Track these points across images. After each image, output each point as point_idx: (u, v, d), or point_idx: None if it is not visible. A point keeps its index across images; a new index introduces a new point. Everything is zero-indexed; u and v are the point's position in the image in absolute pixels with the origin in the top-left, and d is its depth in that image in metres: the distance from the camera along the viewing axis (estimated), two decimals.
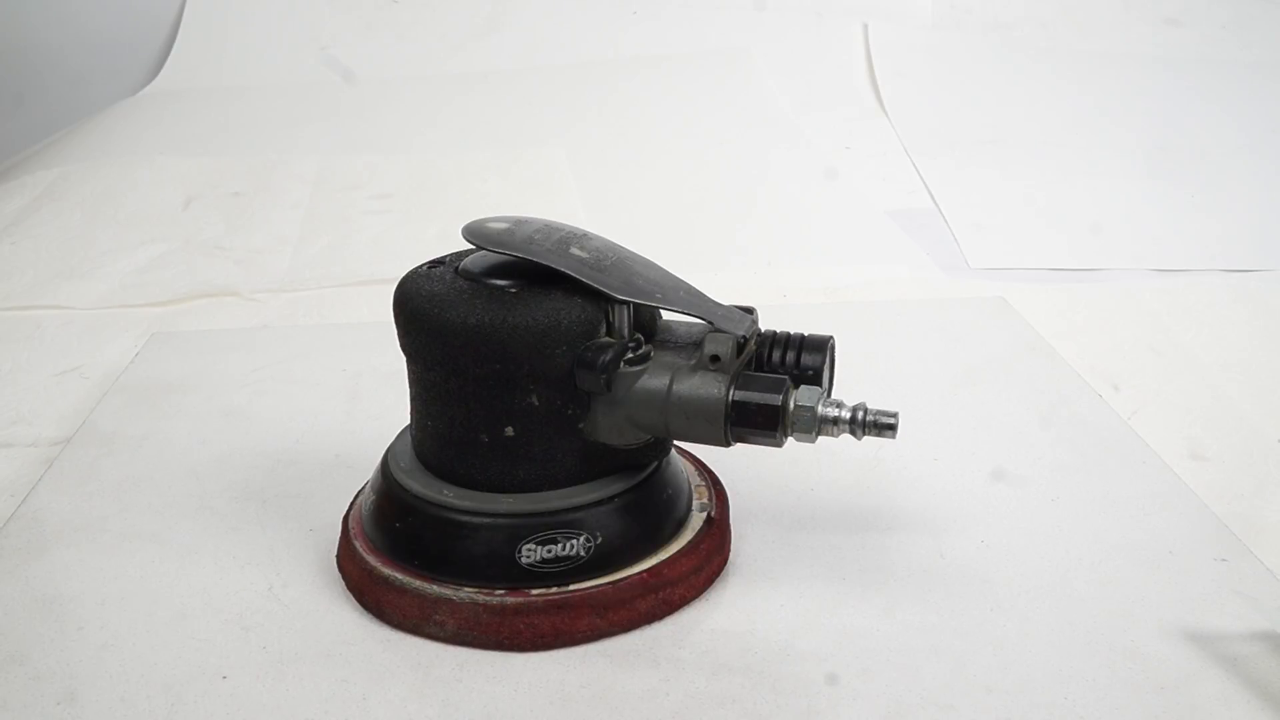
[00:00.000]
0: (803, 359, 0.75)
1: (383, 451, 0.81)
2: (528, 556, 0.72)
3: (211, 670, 0.71)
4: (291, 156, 1.80)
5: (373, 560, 0.76)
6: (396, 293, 0.75)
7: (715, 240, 1.52)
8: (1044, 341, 1.17)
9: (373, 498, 0.79)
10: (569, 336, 0.70)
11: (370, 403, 1.06)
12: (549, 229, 0.75)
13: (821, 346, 0.75)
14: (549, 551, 0.72)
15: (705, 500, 0.83)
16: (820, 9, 2.39)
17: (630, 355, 0.71)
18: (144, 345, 1.21)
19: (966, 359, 1.14)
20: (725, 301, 0.78)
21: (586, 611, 0.72)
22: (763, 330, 0.77)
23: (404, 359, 0.76)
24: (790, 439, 0.73)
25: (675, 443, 0.80)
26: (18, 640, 0.74)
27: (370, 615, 0.75)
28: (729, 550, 0.81)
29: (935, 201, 1.66)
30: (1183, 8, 2.46)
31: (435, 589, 0.72)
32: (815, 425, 0.71)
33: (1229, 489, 0.93)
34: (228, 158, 1.80)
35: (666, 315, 0.78)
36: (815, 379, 0.74)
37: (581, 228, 0.78)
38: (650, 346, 0.74)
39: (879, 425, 0.71)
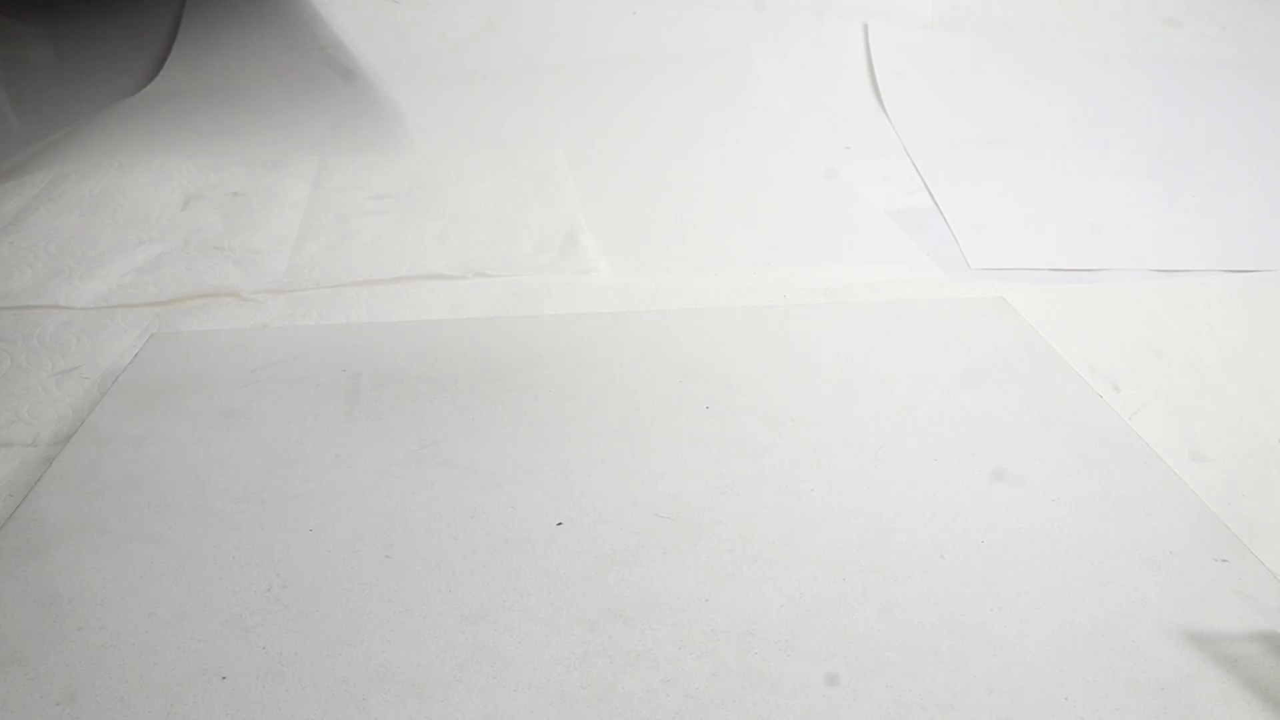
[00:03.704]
0: None
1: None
2: None
3: (211, 670, 0.71)
4: (291, 156, 1.80)
5: None
6: None
7: (715, 240, 1.52)
8: (1044, 341, 1.17)
9: None
10: None
11: (370, 403, 1.06)
12: None
13: None
14: None
15: None
16: (820, 9, 2.39)
17: None
18: (144, 345, 1.21)
19: (966, 359, 1.14)
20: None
21: None
22: None
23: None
24: None
25: None
26: (18, 640, 0.74)
27: (368, 615, 0.75)
28: None
29: (935, 201, 1.66)
30: (1183, 8, 2.46)
31: None
32: None
33: (1229, 489, 0.93)
34: (227, 158, 1.80)
35: None
36: None
37: None
38: None
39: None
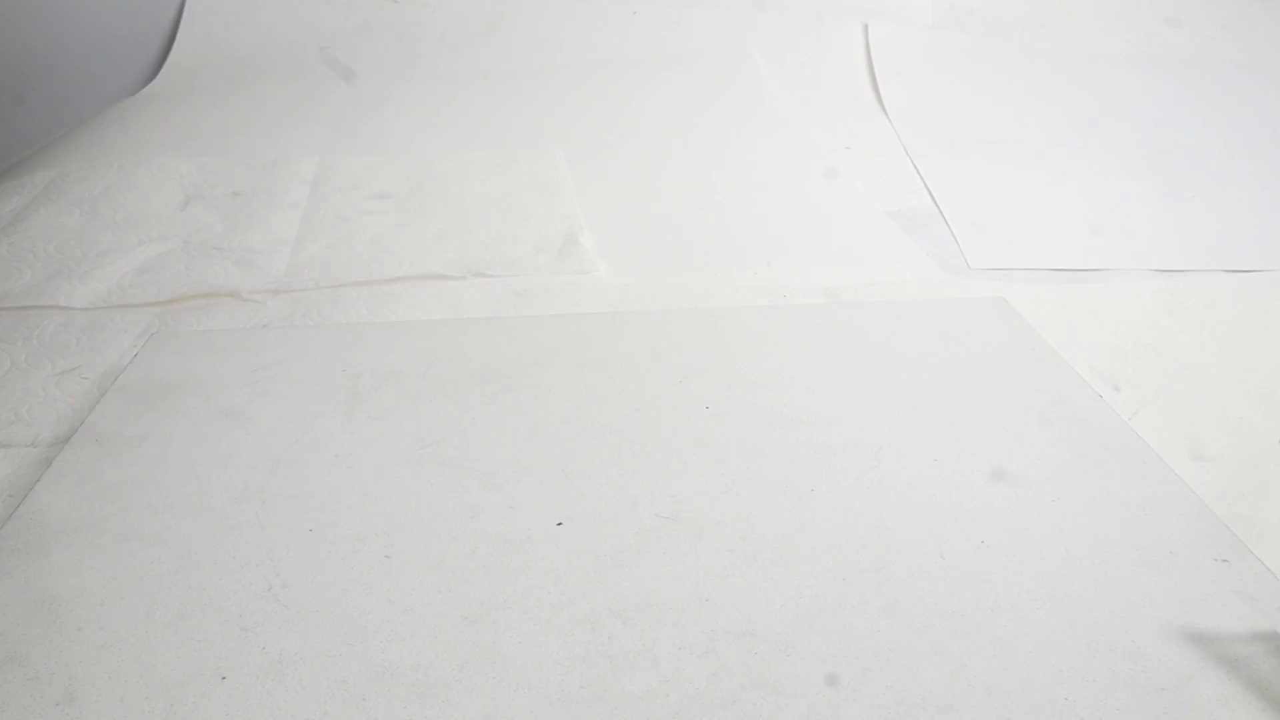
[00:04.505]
0: None
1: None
2: None
3: (211, 670, 0.71)
4: (291, 156, 1.80)
5: None
6: None
7: (715, 240, 1.52)
8: (1044, 341, 1.17)
9: None
10: None
11: (370, 403, 1.06)
12: None
13: None
14: None
15: None
16: (820, 9, 2.39)
17: None
18: (144, 345, 1.21)
19: (966, 359, 1.14)
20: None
21: None
22: None
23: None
24: None
25: None
26: (17, 641, 0.74)
27: (368, 615, 0.75)
28: None
29: (935, 201, 1.66)
30: (1183, 8, 2.46)
31: None
32: None
33: (1229, 489, 0.93)
34: (227, 158, 1.80)
35: None
36: None
37: None
38: None
39: None
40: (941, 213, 1.62)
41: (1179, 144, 1.91)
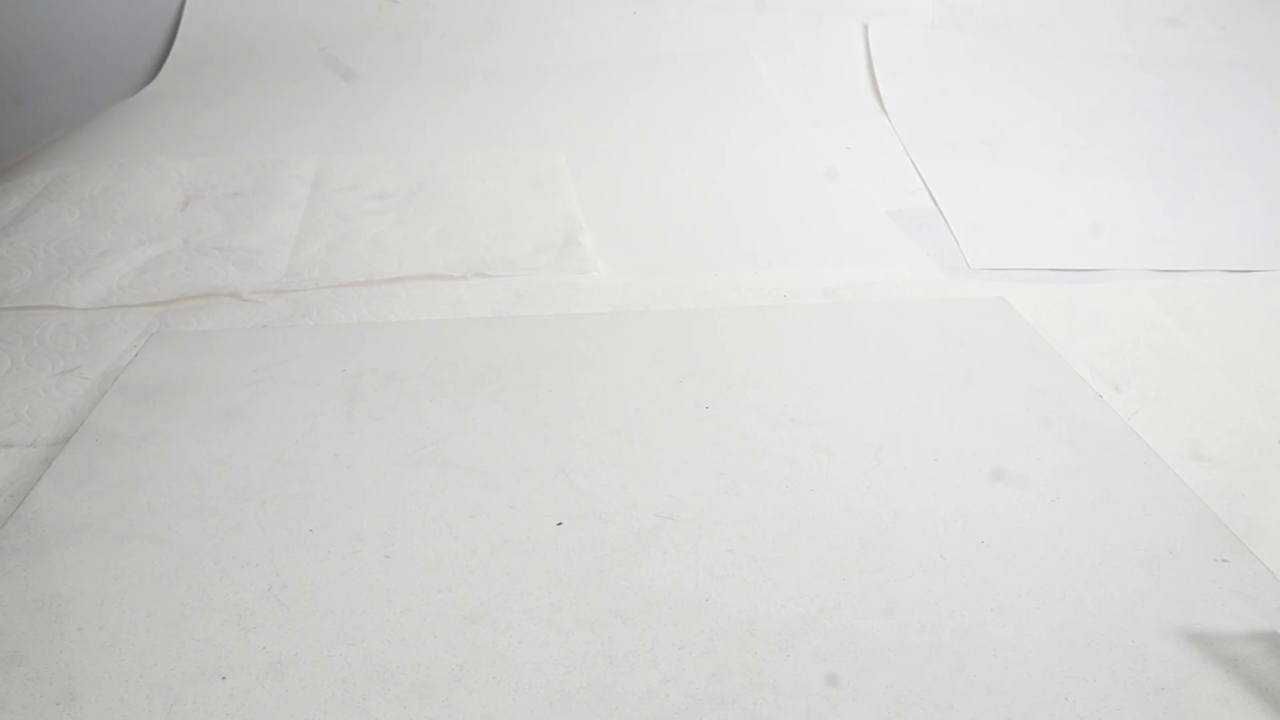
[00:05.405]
0: None
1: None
2: None
3: (211, 670, 0.71)
4: (291, 156, 1.80)
5: None
6: None
7: (715, 240, 1.52)
8: (1044, 341, 1.17)
9: None
10: None
11: (370, 403, 1.06)
12: None
13: None
14: None
15: None
16: (820, 9, 2.39)
17: None
18: (144, 345, 1.21)
19: (966, 359, 1.14)
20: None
21: None
22: None
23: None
24: None
25: None
26: (17, 640, 0.74)
27: (368, 615, 0.75)
28: None
29: (935, 201, 1.66)
30: (1183, 8, 2.46)
31: None
32: None
33: (1229, 489, 0.93)
34: (227, 158, 1.80)
35: None
36: None
37: None
38: None
39: None
40: (941, 213, 1.62)
41: (1179, 144, 1.91)
